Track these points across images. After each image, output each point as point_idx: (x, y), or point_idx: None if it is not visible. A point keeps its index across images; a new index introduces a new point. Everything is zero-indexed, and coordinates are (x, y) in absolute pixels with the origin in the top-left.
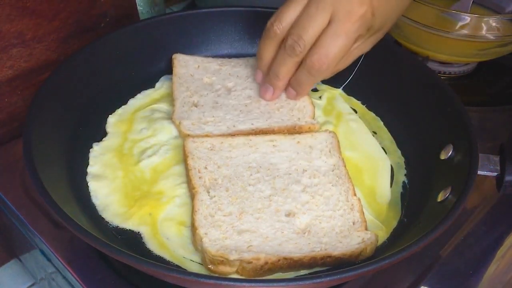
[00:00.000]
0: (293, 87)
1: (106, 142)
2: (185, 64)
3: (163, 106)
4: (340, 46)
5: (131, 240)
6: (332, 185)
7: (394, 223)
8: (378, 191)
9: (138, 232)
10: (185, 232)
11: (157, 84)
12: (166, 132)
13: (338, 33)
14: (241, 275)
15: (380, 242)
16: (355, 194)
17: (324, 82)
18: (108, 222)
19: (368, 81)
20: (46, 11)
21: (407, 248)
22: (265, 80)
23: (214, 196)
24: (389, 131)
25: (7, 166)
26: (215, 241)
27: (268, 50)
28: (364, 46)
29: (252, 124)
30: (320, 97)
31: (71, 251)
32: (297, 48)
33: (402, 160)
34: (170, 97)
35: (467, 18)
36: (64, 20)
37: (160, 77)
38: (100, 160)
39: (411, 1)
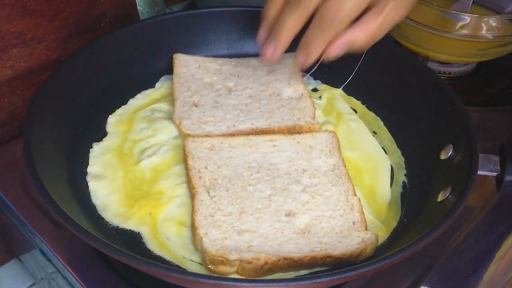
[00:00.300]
0: (302, 46)
1: (106, 142)
2: (185, 64)
3: (163, 106)
4: (353, 2)
5: (131, 240)
6: (332, 185)
7: (394, 223)
8: (378, 191)
9: (138, 232)
10: (185, 232)
11: (157, 84)
12: (166, 132)
13: None
14: (241, 275)
15: (380, 242)
16: (355, 194)
17: (324, 82)
18: (108, 222)
19: (368, 81)
20: (46, 11)
21: (407, 248)
22: (268, 37)
23: (214, 196)
24: (389, 131)
25: (7, 166)
26: (215, 241)
27: (274, 5)
28: (395, 12)
29: (252, 124)
30: (320, 97)
31: (71, 251)
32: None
33: (402, 160)
34: (170, 97)
35: (467, 18)
36: (64, 20)
37: (160, 77)
38: (100, 160)
39: None
